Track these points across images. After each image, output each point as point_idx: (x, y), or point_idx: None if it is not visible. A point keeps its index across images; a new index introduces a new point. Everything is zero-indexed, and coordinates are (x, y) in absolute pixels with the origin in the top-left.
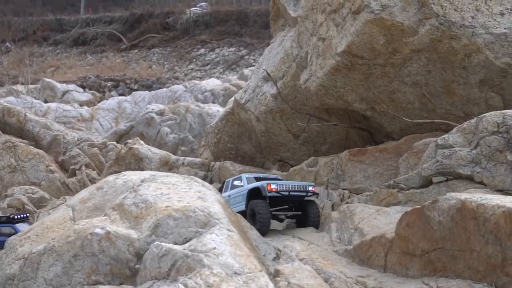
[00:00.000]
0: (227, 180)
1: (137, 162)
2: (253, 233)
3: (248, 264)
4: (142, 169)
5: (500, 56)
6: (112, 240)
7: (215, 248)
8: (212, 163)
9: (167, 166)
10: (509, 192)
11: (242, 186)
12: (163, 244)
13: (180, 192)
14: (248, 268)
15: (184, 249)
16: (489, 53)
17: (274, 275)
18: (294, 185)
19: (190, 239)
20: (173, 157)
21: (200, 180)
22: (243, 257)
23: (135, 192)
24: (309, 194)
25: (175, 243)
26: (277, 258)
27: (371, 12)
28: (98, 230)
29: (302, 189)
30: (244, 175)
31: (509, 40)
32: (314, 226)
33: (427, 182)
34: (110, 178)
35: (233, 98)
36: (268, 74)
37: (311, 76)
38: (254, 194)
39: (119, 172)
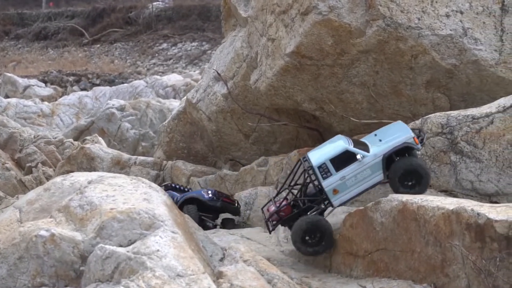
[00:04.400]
0: (317, 164)
1: (89, 162)
2: (201, 233)
3: (191, 266)
4: (94, 169)
5: (446, 57)
6: (56, 242)
7: (158, 250)
8: (165, 162)
9: (119, 166)
10: (452, 192)
11: (362, 157)
12: (106, 246)
13: (126, 193)
14: (191, 270)
15: (127, 252)
16: (435, 54)
17: (217, 277)
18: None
19: (134, 241)
20: (125, 156)
21: (147, 181)
22: (186, 259)
23: (81, 193)
24: None
25: (120, 246)
26: (223, 259)
27: (319, 13)
28: (42, 233)
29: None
30: (348, 146)
31: (455, 42)
32: None
33: None
34: (58, 179)
35: (185, 98)
36: (219, 74)
37: (261, 76)
38: (394, 155)
39: (71, 171)
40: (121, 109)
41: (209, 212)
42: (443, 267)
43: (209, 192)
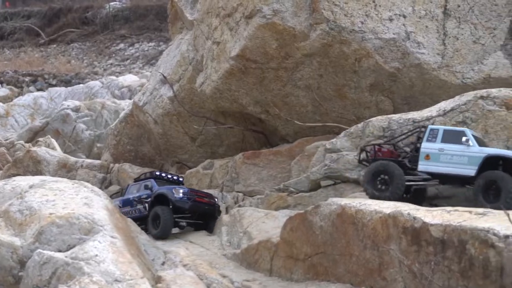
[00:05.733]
0: (432, 127)
1: (35, 165)
2: (143, 237)
3: (129, 271)
4: (41, 172)
5: (389, 61)
6: None
7: (96, 255)
8: (111, 165)
9: (66, 169)
10: None
11: (469, 145)
12: (44, 252)
13: (66, 198)
14: (129, 275)
15: (65, 257)
16: (378, 58)
17: (156, 281)
18: None
19: (73, 246)
20: (72, 159)
21: (89, 185)
22: (125, 264)
23: (21, 198)
24: None
25: (59, 251)
26: (165, 263)
27: (263, 17)
28: None
29: None
30: (469, 131)
31: (398, 45)
32: None
33: (315, 186)
34: None
35: (132, 100)
36: (164, 77)
37: (207, 79)
38: (492, 163)
39: (18, 175)
40: (76, 110)
41: (180, 211)
42: (381, 270)
43: (181, 191)
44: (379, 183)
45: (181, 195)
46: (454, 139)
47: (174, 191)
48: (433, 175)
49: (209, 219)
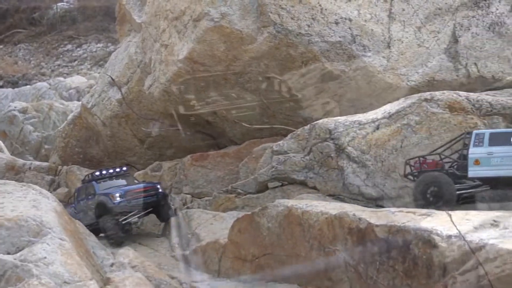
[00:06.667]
0: (478, 132)
1: None
2: (92, 239)
3: (78, 272)
4: None
5: (335, 64)
6: None
7: (45, 257)
8: (60, 167)
9: (14, 171)
10: (340, 196)
11: None
12: None
13: (15, 201)
14: (78, 277)
15: (14, 259)
16: (325, 61)
17: (105, 283)
18: None
19: (22, 249)
20: (20, 161)
21: (38, 188)
22: (74, 266)
23: None
24: None
25: (8, 253)
26: (114, 264)
27: (211, 20)
28: None
29: None
30: None
31: (344, 48)
32: None
33: (263, 187)
34: None
35: (80, 102)
36: (113, 80)
37: (155, 82)
38: None
39: None
40: (23, 111)
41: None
42: (327, 271)
43: (117, 195)
44: (430, 196)
45: (118, 199)
46: (502, 141)
47: (111, 198)
48: (485, 180)
49: (156, 207)
